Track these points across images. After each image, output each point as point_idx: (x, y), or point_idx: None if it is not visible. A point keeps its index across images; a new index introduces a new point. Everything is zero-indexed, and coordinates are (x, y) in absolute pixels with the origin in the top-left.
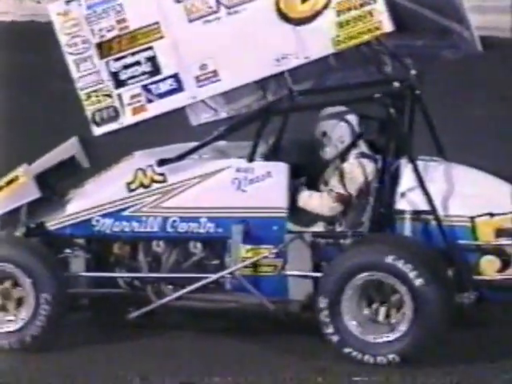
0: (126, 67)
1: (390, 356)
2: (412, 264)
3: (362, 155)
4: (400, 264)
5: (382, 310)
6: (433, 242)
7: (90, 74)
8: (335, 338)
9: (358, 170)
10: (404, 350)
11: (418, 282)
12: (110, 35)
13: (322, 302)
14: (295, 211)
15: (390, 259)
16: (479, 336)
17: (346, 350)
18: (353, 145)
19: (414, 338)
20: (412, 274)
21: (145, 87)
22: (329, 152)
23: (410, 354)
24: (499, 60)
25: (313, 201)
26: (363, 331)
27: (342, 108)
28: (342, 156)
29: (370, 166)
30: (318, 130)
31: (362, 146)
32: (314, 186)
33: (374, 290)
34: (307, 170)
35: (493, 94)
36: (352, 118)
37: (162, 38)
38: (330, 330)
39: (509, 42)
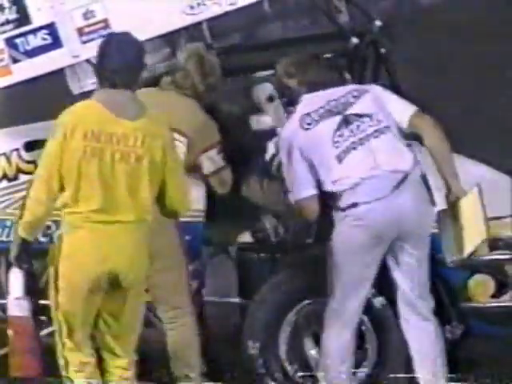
0: None
1: None
2: None
3: None
4: None
5: None
6: None
7: None
8: None
9: None
10: None
11: (378, 302)
12: None
13: (253, 347)
14: (214, 214)
15: None
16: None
17: None
18: None
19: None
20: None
21: (9, 41)
22: (266, 121)
23: None
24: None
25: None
26: None
27: None
28: None
29: None
30: (259, 92)
31: None
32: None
33: (321, 322)
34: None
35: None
36: None
37: None
38: (267, 380)
39: None
